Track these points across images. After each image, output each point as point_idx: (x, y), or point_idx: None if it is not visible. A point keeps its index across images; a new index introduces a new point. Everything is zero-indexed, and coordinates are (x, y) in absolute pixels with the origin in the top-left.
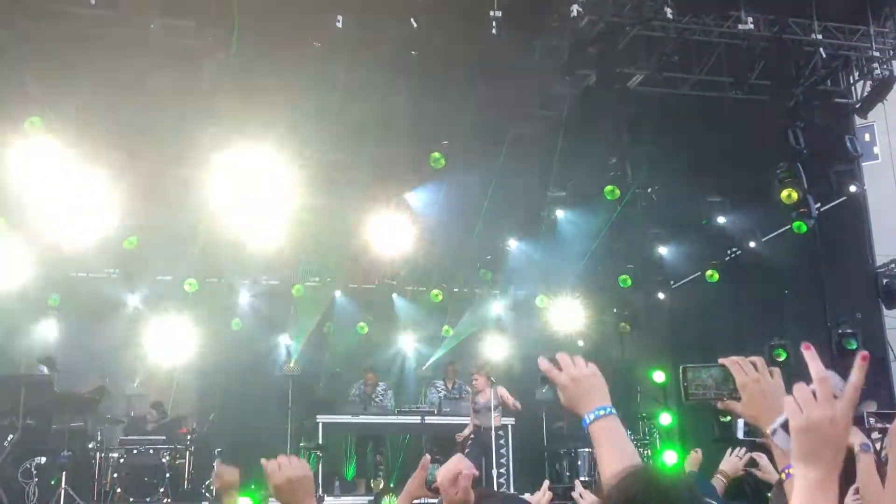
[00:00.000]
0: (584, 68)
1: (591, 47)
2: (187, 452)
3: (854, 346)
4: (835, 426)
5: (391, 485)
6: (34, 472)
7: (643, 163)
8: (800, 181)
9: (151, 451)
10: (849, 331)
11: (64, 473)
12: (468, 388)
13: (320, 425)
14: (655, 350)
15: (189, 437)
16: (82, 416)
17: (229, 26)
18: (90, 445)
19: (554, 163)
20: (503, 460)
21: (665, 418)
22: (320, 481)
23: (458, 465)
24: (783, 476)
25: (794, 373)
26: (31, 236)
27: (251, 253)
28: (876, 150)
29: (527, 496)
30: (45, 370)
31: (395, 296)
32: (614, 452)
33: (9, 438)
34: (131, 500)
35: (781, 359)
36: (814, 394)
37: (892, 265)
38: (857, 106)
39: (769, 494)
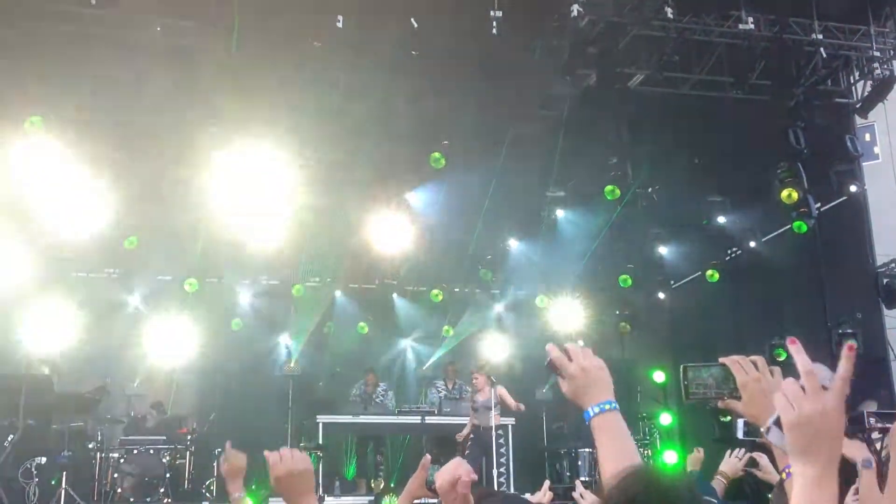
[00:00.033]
0: (585, 68)
1: (592, 47)
2: (187, 452)
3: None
4: (826, 418)
5: (391, 485)
6: (34, 471)
7: (643, 163)
8: (800, 181)
9: (152, 451)
10: (849, 330)
11: (64, 473)
12: (468, 388)
13: (321, 425)
14: (656, 350)
15: (189, 437)
16: (83, 416)
17: (229, 26)
18: (90, 445)
19: (554, 163)
20: (503, 460)
21: (665, 418)
22: (321, 481)
23: (457, 469)
24: (784, 475)
25: (795, 372)
26: (31, 236)
27: (251, 253)
28: (876, 149)
29: (527, 496)
30: (46, 370)
31: (395, 296)
32: (615, 448)
33: (9, 438)
34: (131, 500)
35: (782, 358)
36: (803, 388)
37: (893, 265)
38: (858, 106)
39: (770, 496)
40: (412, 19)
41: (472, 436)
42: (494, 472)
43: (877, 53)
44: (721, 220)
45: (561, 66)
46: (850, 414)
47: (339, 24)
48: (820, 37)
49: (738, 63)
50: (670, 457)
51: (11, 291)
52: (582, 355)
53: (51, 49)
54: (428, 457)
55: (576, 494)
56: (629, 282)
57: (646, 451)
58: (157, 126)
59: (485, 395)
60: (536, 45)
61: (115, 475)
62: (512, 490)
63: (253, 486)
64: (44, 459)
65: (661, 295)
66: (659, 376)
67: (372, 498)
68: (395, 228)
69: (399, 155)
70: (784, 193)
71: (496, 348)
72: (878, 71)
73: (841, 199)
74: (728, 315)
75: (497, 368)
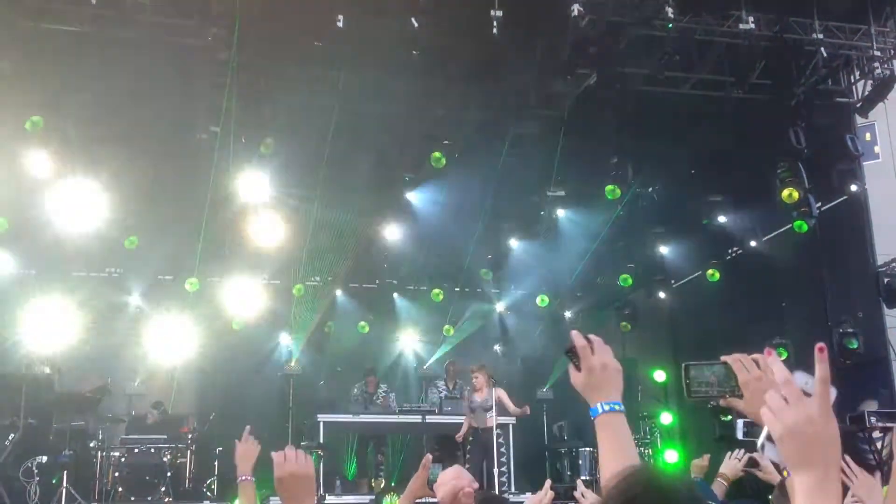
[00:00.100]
0: (585, 68)
1: (592, 47)
2: (188, 451)
3: (855, 346)
4: (813, 424)
5: (392, 484)
6: (35, 471)
7: (644, 162)
8: (801, 180)
9: (152, 450)
10: (850, 330)
11: (65, 472)
12: (469, 388)
13: (321, 424)
14: (656, 349)
15: (190, 436)
16: (83, 415)
17: (230, 25)
18: (91, 444)
19: (555, 162)
20: (503, 459)
21: (666, 417)
22: (321, 480)
23: (459, 480)
24: (785, 474)
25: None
26: (31, 235)
27: (252, 252)
28: (877, 149)
29: (528, 496)
30: (47, 369)
31: (395, 295)
32: (618, 449)
33: (10, 437)
34: (132, 498)
35: (782, 358)
36: (786, 399)
37: (893, 264)
38: (858, 105)
39: (770, 497)
40: (413, 19)
41: (471, 437)
42: (495, 471)
43: (877, 53)
44: (722, 219)
45: (561, 65)
46: (850, 413)
47: (340, 24)
48: (820, 36)
49: (738, 63)
50: (671, 456)
51: (13, 290)
52: (605, 351)
53: (51, 49)
54: (429, 456)
55: (577, 494)
56: (630, 281)
57: (646, 451)
58: (158, 125)
59: (483, 396)
60: (537, 44)
61: (116, 474)
62: (513, 489)
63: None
64: (45, 458)
65: (662, 294)
66: (660, 375)
67: (373, 497)
68: (396, 228)
69: (400, 154)
70: (785, 193)
71: (497, 348)
72: (878, 70)
73: (841, 199)
74: (729, 314)
75: (497, 368)
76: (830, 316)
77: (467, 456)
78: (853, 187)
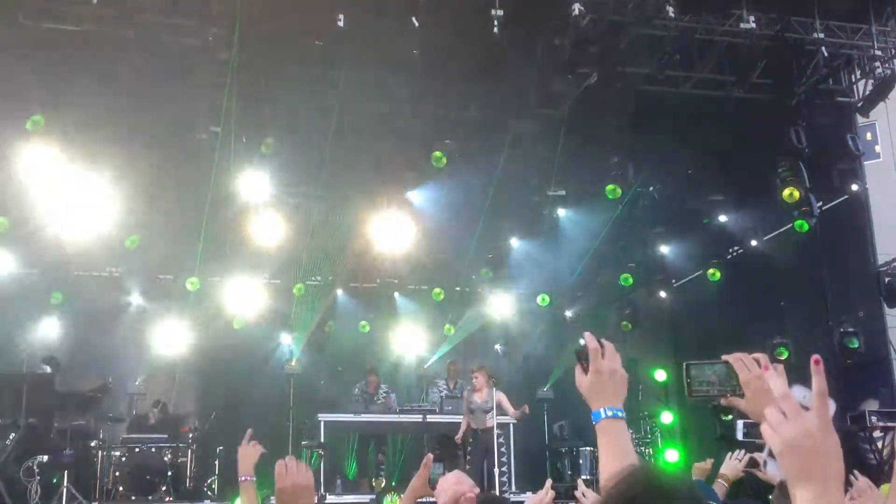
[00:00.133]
0: (586, 67)
1: (593, 46)
2: (189, 451)
3: (856, 345)
4: (812, 438)
5: (393, 483)
6: (36, 470)
7: (645, 162)
8: (801, 180)
9: (153, 450)
10: (850, 329)
11: (66, 472)
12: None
13: (322, 424)
14: (657, 349)
15: (191, 435)
16: (84, 414)
17: (231, 25)
18: (92, 444)
19: (555, 162)
20: (504, 459)
21: (666, 417)
22: (322, 480)
23: (461, 486)
24: None
25: (797, 372)
26: (33, 235)
27: (253, 251)
28: (878, 148)
29: (529, 495)
30: (48, 369)
31: (396, 295)
32: (618, 453)
33: (11, 437)
34: (133, 498)
35: (783, 357)
36: (784, 414)
37: (894, 264)
38: (859, 105)
39: (770, 497)
40: (413, 18)
41: (470, 438)
42: (496, 471)
43: (878, 52)
44: (722, 218)
45: (562, 64)
46: (851, 413)
47: (341, 24)
48: (821, 36)
49: (739, 62)
50: (671, 456)
51: (13, 290)
52: (615, 357)
53: (52, 48)
54: (430, 456)
55: (578, 493)
56: (630, 280)
57: (647, 450)
58: (159, 125)
59: (482, 396)
60: (538, 43)
61: (117, 473)
62: (513, 489)
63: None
64: (46, 458)
65: (663, 294)
66: (660, 375)
67: (373, 497)
68: (397, 227)
69: (400, 154)
70: (785, 192)
71: (497, 347)
72: (879, 70)
73: (842, 198)
74: (729, 314)
75: (498, 367)
76: (831, 315)
77: (468, 457)
78: (854, 187)
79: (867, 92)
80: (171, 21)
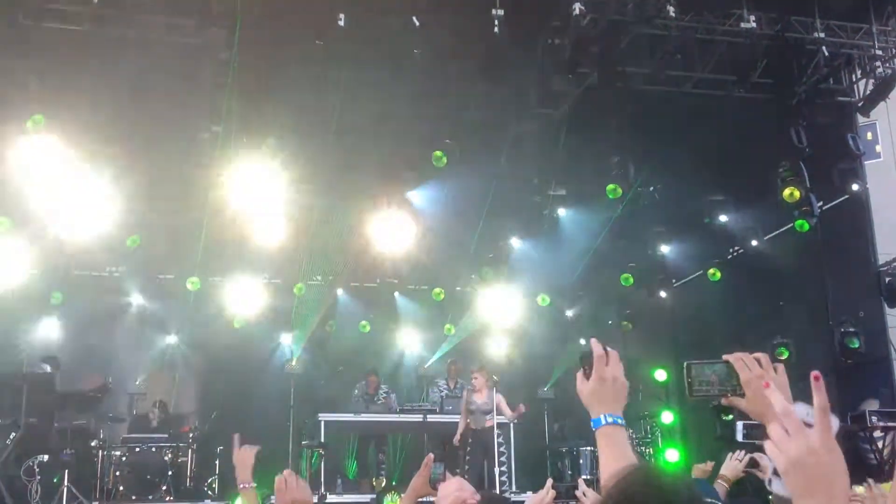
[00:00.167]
0: (586, 67)
1: (594, 46)
2: (189, 450)
3: (857, 345)
4: (816, 455)
5: (393, 483)
6: (37, 469)
7: (645, 161)
8: (802, 179)
9: (154, 449)
10: (851, 329)
11: (66, 471)
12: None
13: (322, 423)
14: (657, 349)
15: (191, 435)
16: (85, 414)
17: (231, 24)
18: (93, 443)
19: (556, 161)
20: (503, 458)
21: (667, 417)
22: (322, 479)
23: (462, 493)
24: None
25: (798, 371)
26: (33, 235)
27: (253, 251)
28: (878, 148)
29: (529, 495)
30: (48, 368)
31: (397, 294)
32: (619, 457)
33: (11, 436)
34: (133, 497)
35: (784, 357)
36: (787, 431)
37: (895, 263)
38: (860, 104)
39: (770, 497)
40: (414, 17)
41: (470, 439)
42: (496, 471)
43: (879, 52)
44: (723, 218)
45: (563, 64)
46: (852, 413)
47: (341, 23)
48: (822, 35)
49: (739, 61)
50: (672, 455)
51: (14, 289)
52: (618, 365)
53: (52, 47)
54: (431, 455)
55: (579, 493)
56: (631, 280)
57: (647, 450)
58: (159, 125)
59: (482, 397)
60: (538, 43)
61: (117, 473)
62: (513, 489)
63: (254, 484)
64: (46, 457)
65: (663, 294)
66: (661, 375)
67: (374, 496)
68: (397, 227)
69: (401, 153)
70: (786, 192)
71: (498, 347)
72: (879, 69)
73: (843, 198)
74: (730, 314)
75: (499, 367)
76: (832, 315)
77: (467, 457)
78: (854, 186)
79: (868, 91)
80: (171, 21)
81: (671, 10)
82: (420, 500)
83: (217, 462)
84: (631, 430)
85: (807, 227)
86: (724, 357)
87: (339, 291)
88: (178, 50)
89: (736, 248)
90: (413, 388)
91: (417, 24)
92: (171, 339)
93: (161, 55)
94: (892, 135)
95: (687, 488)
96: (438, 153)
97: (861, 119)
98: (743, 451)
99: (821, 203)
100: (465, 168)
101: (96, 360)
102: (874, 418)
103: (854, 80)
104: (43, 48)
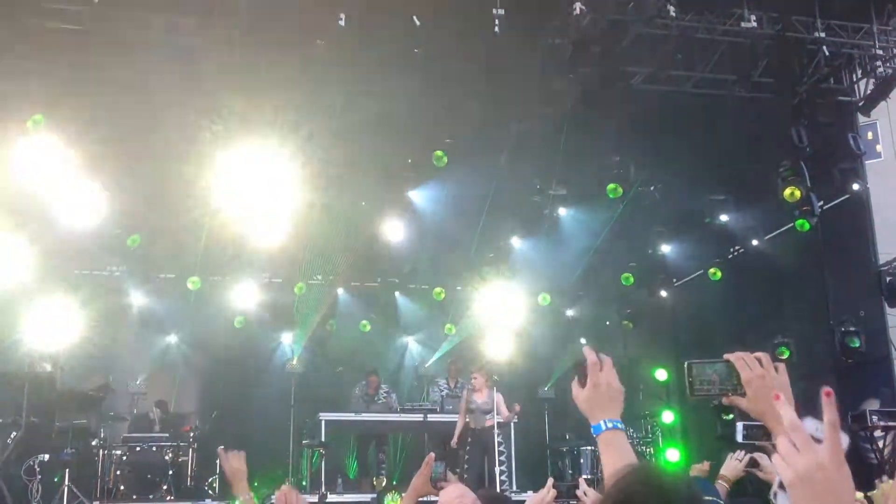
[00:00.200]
0: (587, 66)
1: (594, 45)
2: (190, 450)
3: (857, 345)
4: (824, 471)
5: (394, 482)
6: (37, 469)
7: (646, 161)
8: (803, 179)
9: (154, 449)
10: (852, 329)
11: (67, 471)
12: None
13: (323, 423)
14: (658, 348)
15: (192, 434)
16: (85, 413)
17: (232, 24)
18: (93, 443)
19: (557, 161)
20: (503, 458)
21: (667, 416)
22: (323, 479)
23: (463, 499)
24: None
25: (798, 371)
26: (33, 234)
27: (254, 251)
28: (879, 147)
29: (529, 494)
30: (49, 368)
31: (397, 294)
32: (621, 459)
33: (12, 436)
34: (134, 497)
35: (785, 356)
36: (795, 446)
37: (895, 263)
38: (861, 104)
39: (770, 497)
40: (415, 17)
41: (469, 438)
42: (496, 470)
43: (879, 51)
44: (723, 218)
45: (563, 64)
46: (852, 412)
47: (342, 23)
48: (823, 35)
49: (740, 61)
50: (672, 455)
51: (14, 289)
52: (612, 372)
53: (53, 46)
54: (432, 455)
55: (579, 492)
56: (631, 280)
57: (648, 450)
58: (160, 124)
59: (482, 397)
60: (539, 43)
61: (118, 472)
62: (514, 488)
63: (255, 484)
64: (47, 456)
65: (664, 293)
66: (661, 374)
67: (374, 496)
68: (398, 226)
69: (401, 153)
70: (787, 191)
71: (498, 347)
72: (880, 69)
73: (843, 198)
74: (730, 313)
75: (499, 367)
76: (832, 315)
77: (467, 456)
78: (855, 186)
79: (868, 91)
80: (171, 21)
81: (671, 9)
82: (421, 499)
83: (218, 461)
84: (631, 430)
85: (807, 226)
86: (725, 356)
87: (340, 291)
88: (179, 49)
89: (736, 247)
90: (413, 387)
91: (418, 23)
92: (172, 339)
93: (162, 54)
94: (893, 134)
95: (687, 487)
96: (439, 153)
97: (862, 119)
98: (743, 451)
99: (821, 203)
100: (466, 167)
101: (97, 360)
102: (875, 418)
103: (855, 79)
104: (43, 48)
